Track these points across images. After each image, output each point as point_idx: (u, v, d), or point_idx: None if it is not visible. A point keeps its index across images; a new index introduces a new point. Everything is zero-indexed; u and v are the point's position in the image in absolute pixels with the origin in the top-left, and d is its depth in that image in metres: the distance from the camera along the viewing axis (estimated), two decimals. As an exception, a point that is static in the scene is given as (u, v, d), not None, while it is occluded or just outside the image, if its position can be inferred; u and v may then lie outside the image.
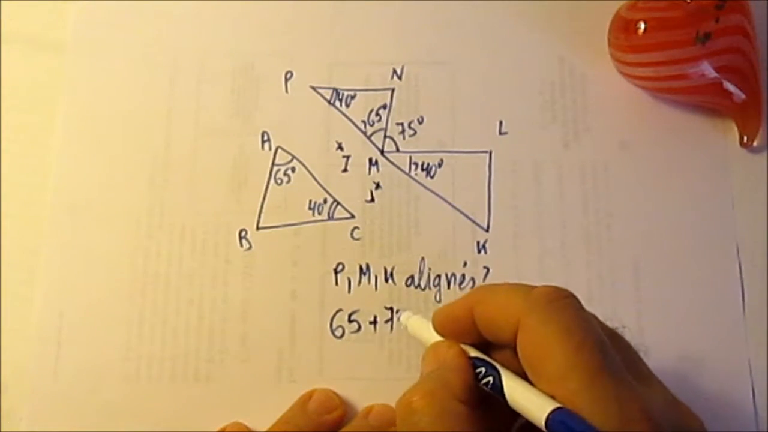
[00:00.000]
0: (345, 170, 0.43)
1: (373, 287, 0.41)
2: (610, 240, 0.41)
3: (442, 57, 0.45)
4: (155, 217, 0.42)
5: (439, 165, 0.43)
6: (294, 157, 0.43)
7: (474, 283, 0.41)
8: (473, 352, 0.30)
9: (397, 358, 0.40)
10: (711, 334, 0.40)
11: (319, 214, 0.42)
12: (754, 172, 0.42)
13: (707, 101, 0.42)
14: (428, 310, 0.38)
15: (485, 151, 0.43)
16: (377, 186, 0.42)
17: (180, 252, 0.41)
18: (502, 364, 0.28)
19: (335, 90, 0.44)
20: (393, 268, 0.41)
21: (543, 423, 0.25)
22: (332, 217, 0.42)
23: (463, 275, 0.41)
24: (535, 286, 0.28)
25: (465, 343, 0.30)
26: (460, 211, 0.42)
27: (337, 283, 0.41)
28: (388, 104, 0.44)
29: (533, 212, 0.42)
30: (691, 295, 0.40)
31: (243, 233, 0.42)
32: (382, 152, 0.43)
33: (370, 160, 0.43)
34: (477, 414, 0.28)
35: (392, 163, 0.43)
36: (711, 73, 0.40)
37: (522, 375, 0.27)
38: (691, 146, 0.43)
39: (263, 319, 0.40)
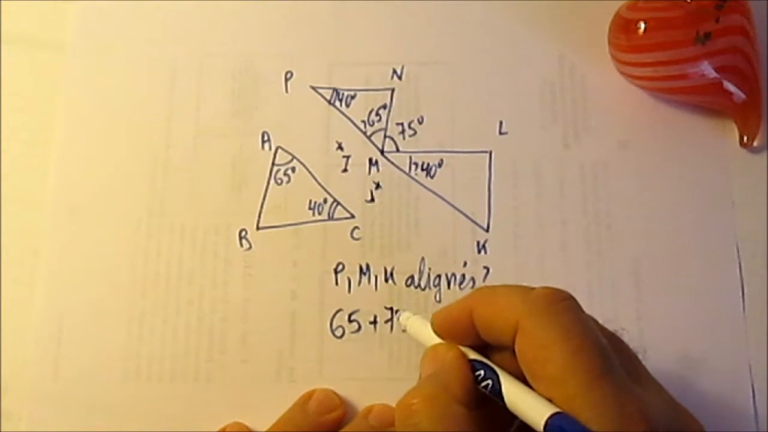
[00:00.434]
0: (345, 170, 0.43)
1: (373, 287, 0.41)
2: (610, 240, 0.41)
3: (442, 57, 0.45)
4: (155, 217, 0.42)
5: (439, 165, 0.43)
6: (294, 157, 0.43)
7: (474, 283, 0.41)
8: (472, 355, 0.30)
9: (397, 358, 0.40)
10: (711, 334, 0.40)
11: (319, 214, 0.42)
12: (754, 172, 0.42)
13: (707, 101, 0.42)
14: (428, 310, 0.39)
15: (485, 151, 0.43)
16: (377, 186, 0.42)
17: (180, 252, 0.41)
18: (501, 366, 0.28)
19: (335, 90, 0.44)
20: (393, 268, 0.41)
21: (542, 427, 0.25)
22: (332, 217, 0.42)
23: (463, 275, 0.41)
24: (534, 288, 0.28)
25: (464, 345, 0.30)
26: (460, 211, 0.42)
27: (337, 283, 0.41)
28: (388, 104, 0.44)
29: (533, 212, 0.42)
30: (691, 295, 0.40)
31: (243, 233, 0.42)
32: (382, 152, 0.43)
33: (370, 160, 0.43)
34: (476, 416, 0.28)
35: (392, 163, 0.43)
36: (711, 73, 0.40)
37: (521, 377, 0.27)
38: (691, 146, 0.43)
39: (263, 319, 0.40)
